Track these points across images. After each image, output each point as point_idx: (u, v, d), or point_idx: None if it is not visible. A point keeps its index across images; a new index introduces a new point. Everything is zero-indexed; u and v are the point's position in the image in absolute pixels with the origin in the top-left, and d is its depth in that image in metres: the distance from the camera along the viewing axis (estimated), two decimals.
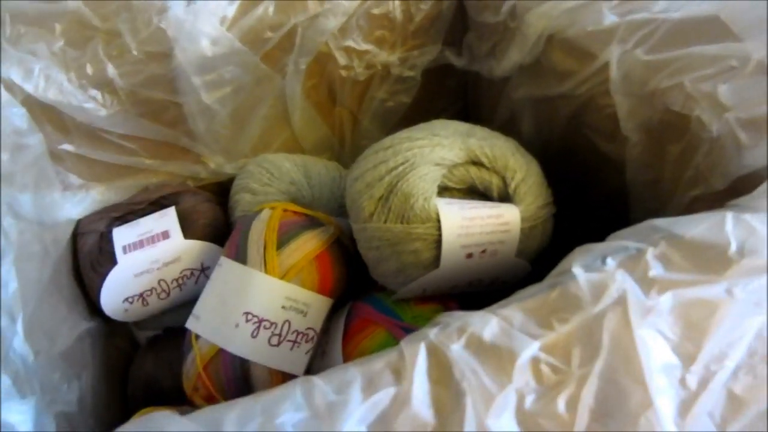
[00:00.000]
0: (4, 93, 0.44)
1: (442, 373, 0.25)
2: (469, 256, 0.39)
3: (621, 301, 0.25)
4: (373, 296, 0.46)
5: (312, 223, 0.47)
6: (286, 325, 0.43)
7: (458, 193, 0.42)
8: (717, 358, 0.24)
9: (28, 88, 0.44)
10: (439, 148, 0.40)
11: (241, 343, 0.42)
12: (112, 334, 0.52)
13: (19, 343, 0.37)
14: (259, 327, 0.42)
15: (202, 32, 0.47)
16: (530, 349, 0.25)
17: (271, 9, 0.48)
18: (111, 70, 0.47)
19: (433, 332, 0.26)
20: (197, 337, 0.44)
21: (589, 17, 0.42)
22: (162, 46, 0.47)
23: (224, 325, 0.43)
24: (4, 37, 0.45)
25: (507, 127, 0.53)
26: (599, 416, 0.24)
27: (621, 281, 0.26)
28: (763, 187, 0.29)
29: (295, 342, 0.43)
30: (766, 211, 0.27)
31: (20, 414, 0.30)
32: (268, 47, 0.50)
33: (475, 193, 0.42)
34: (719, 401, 0.24)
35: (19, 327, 0.37)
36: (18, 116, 0.44)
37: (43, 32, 0.46)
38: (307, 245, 0.45)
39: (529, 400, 0.25)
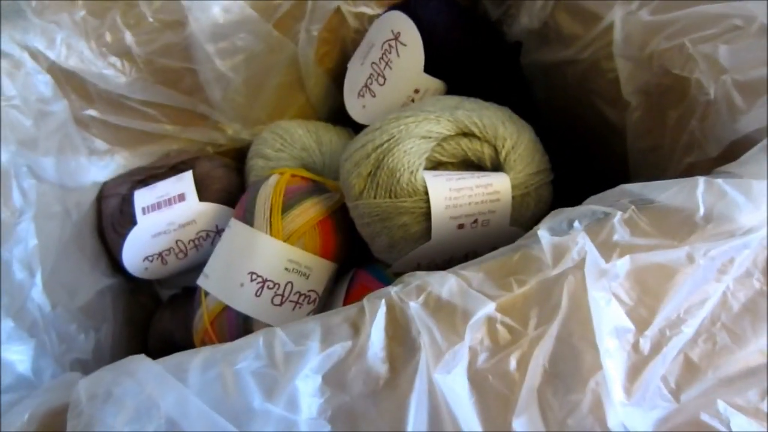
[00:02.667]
0: (30, 61, 0.46)
1: (398, 329, 0.26)
2: (461, 227, 0.39)
3: (581, 265, 0.25)
4: (374, 265, 0.47)
5: (317, 190, 0.48)
6: (289, 286, 0.44)
7: (453, 167, 0.42)
8: (673, 324, 0.24)
9: (51, 56, 0.47)
10: (425, 122, 0.40)
11: (246, 302, 0.44)
12: (136, 291, 0.55)
13: (37, 294, 0.39)
14: (263, 287, 0.44)
15: (213, 0, 0.48)
16: (485, 308, 0.25)
17: None
18: (128, 38, 0.49)
19: (394, 290, 0.27)
20: (206, 294, 0.46)
21: None
22: (176, 14, 0.48)
23: (230, 284, 0.45)
24: (30, 8, 0.47)
25: (522, 93, 0.53)
26: (551, 377, 0.25)
27: (582, 245, 0.25)
28: (751, 153, 0.28)
29: (297, 303, 0.45)
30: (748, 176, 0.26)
31: (20, 354, 0.33)
32: (280, 14, 0.51)
33: (471, 165, 0.42)
34: (674, 367, 0.24)
35: (38, 280, 0.40)
36: (42, 83, 0.47)
37: (65, 3, 0.48)
38: (311, 211, 0.46)
39: (481, 358, 0.25)
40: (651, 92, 0.37)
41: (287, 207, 0.46)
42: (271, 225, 0.45)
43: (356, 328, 0.26)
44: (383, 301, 0.26)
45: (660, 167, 0.37)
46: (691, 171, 0.35)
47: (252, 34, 0.51)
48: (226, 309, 0.45)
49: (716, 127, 0.32)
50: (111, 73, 0.49)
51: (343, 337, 0.26)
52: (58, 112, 0.48)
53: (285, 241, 0.45)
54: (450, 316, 0.25)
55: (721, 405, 0.23)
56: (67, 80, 0.49)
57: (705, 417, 0.23)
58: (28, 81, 0.45)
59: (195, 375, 0.25)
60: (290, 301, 0.45)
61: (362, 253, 0.49)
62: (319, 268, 0.45)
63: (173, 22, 0.49)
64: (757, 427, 0.23)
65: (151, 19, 0.48)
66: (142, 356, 0.26)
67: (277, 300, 0.44)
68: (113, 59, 0.49)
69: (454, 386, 0.24)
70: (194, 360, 0.26)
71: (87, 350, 0.43)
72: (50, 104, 0.47)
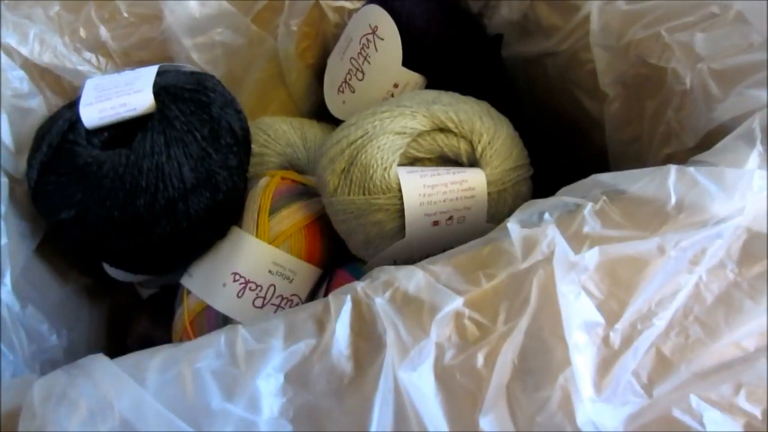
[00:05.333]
0: (3, 57, 0.45)
1: (364, 325, 0.25)
2: (436, 223, 0.39)
3: (550, 258, 0.25)
4: (353, 263, 0.46)
5: (306, 193, 0.47)
6: (272, 288, 0.44)
7: (429, 163, 0.41)
8: (645, 317, 0.23)
9: (24, 51, 0.46)
10: (401, 117, 0.39)
11: (227, 302, 0.43)
12: (114, 291, 0.54)
13: (5, 294, 0.39)
14: (245, 288, 0.43)
15: None
16: (453, 303, 0.25)
17: None
18: (104, 33, 0.48)
19: (360, 285, 0.26)
20: (188, 292, 0.45)
21: None
22: (151, 8, 0.47)
23: (213, 283, 0.44)
24: (3, 4, 0.46)
25: (503, 86, 0.52)
26: (521, 373, 0.24)
27: (551, 237, 0.25)
28: (725, 141, 0.28)
29: (279, 306, 0.44)
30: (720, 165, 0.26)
31: None
32: (258, 8, 0.50)
33: (448, 161, 0.41)
34: (646, 361, 0.23)
35: (7, 280, 0.39)
36: (18, 79, 0.46)
37: None
38: (298, 214, 0.45)
39: (449, 355, 0.24)
40: (628, 83, 0.36)
41: (274, 209, 0.45)
42: (257, 226, 0.44)
43: (321, 325, 0.25)
44: (349, 296, 0.26)
45: (639, 159, 0.37)
46: (669, 162, 0.33)
47: (230, 29, 0.50)
48: (207, 308, 0.44)
49: (693, 117, 0.31)
50: (86, 68, 0.48)
51: (307, 335, 0.25)
52: (35, 108, 0.47)
53: (271, 243, 0.44)
54: (416, 312, 0.25)
55: (694, 400, 0.22)
56: (42, 76, 0.48)
57: (677, 413, 0.22)
58: (2, 77, 0.44)
59: (153, 375, 0.24)
60: (272, 304, 0.44)
61: (344, 252, 0.48)
62: (304, 272, 0.45)
63: (149, 16, 0.48)
64: (731, 423, 0.22)
65: (126, 14, 0.48)
66: (101, 356, 0.25)
67: (259, 302, 0.43)
68: (88, 54, 0.48)
69: (420, 384, 0.24)
70: (154, 359, 0.25)
71: (59, 351, 0.42)
72: (26, 100, 0.47)
